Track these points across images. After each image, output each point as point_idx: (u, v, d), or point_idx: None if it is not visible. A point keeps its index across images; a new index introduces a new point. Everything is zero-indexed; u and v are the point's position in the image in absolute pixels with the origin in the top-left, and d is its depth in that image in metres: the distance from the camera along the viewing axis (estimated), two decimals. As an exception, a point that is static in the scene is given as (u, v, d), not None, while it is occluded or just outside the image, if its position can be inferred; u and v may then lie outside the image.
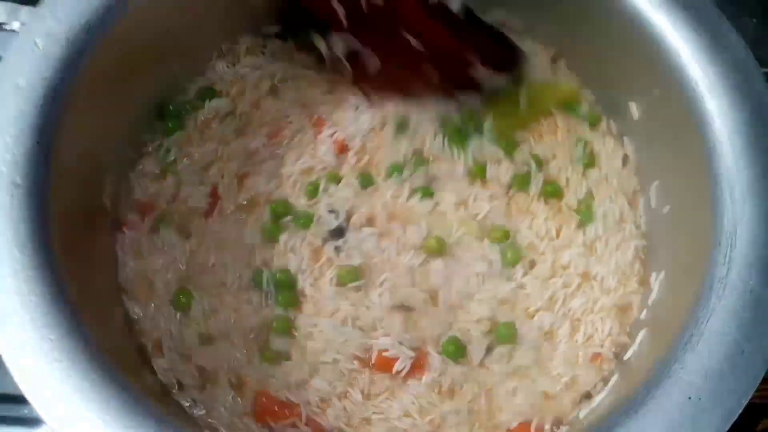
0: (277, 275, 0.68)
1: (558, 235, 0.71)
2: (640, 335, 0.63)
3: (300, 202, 0.72)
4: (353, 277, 0.68)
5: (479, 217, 0.71)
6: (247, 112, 0.77)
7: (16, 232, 0.52)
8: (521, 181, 0.73)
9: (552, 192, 0.73)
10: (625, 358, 0.64)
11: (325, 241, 0.70)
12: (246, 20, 0.78)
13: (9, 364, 0.47)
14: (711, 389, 0.49)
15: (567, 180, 0.74)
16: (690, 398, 0.48)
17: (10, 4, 1.06)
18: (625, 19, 0.67)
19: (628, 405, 0.49)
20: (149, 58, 0.69)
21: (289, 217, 0.71)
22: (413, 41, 0.71)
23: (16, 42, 0.60)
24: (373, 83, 0.75)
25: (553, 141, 0.76)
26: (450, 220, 0.71)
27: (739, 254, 0.53)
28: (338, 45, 0.72)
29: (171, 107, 0.76)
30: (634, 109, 0.72)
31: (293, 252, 0.70)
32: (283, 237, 0.71)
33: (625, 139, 0.75)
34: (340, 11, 0.69)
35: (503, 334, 0.66)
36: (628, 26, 0.67)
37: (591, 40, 0.73)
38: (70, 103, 0.59)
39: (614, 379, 0.62)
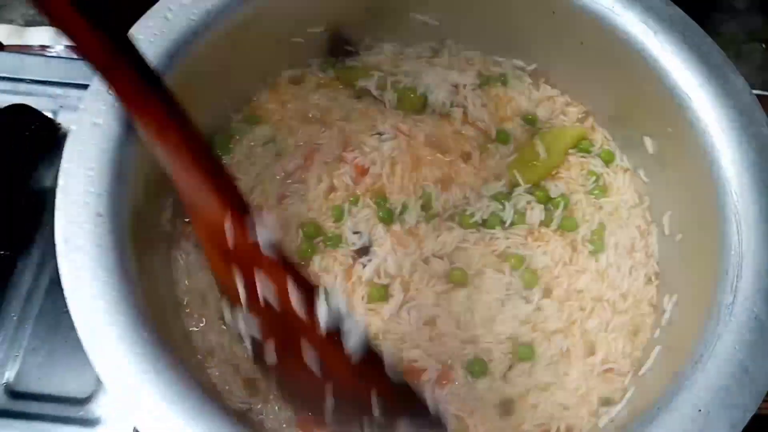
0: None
1: (571, 262, 0.78)
2: (655, 352, 0.69)
3: (327, 224, 0.78)
4: (382, 295, 0.74)
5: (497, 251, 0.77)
6: (285, 138, 0.83)
7: (101, 258, 0.59)
8: (546, 220, 0.80)
9: (568, 226, 0.79)
10: (641, 373, 0.69)
11: (354, 259, 0.76)
12: (289, 54, 0.85)
13: (103, 378, 0.53)
14: (718, 403, 0.55)
15: (582, 213, 0.80)
16: (700, 411, 0.54)
17: (53, 29, 1.13)
18: (642, 65, 0.73)
19: (644, 416, 0.55)
20: (205, 93, 0.75)
21: (319, 238, 0.77)
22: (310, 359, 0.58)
23: (92, 85, 0.66)
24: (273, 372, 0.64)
25: (568, 176, 0.83)
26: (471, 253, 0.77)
27: (745, 284, 0.60)
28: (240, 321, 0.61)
29: (217, 138, 0.82)
30: (649, 144, 0.78)
31: (326, 271, 0.76)
32: (316, 258, 0.76)
33: (640, 171, 0.81)
34: (241, 290, 0.58)
35: (523, 353, 0.72)
36: (645, 71, 0.73)
37: (612, 84, 0.80)
38: (141, 139, 0.65)
39: (631, 391, 0.68)
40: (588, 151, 0.84)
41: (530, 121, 0.86)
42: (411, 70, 0.87)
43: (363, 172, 0.81)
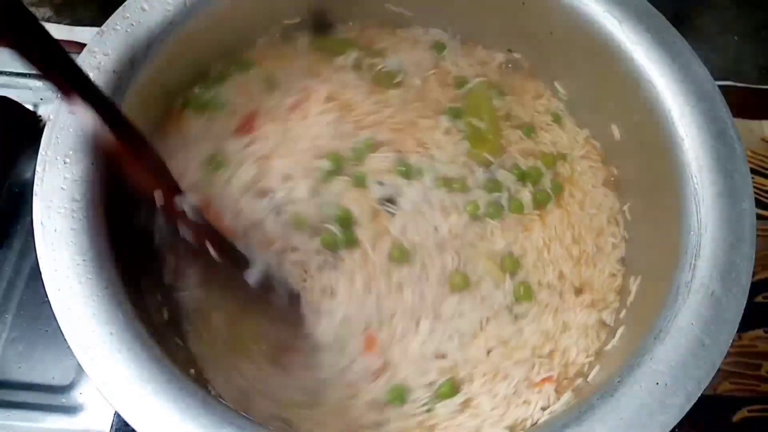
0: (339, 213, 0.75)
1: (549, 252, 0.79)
2: (619, 331, 0.71)
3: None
4: (404, 257, 0.74)
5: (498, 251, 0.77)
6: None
7: (77, 241, 0.60)
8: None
9: (542, 199, 0.80)
10: (606, 349, 0.72)
11: (381, 203, 0.77)
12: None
13: (77, 354, 0.55)
14: (676, 376, 0.57)
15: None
16: (658, 384, 0.56)
17: (34, 24, 1.14)
18: (609, 54, 0.75)
19: (604, 389, 0.57)
20: (185, 84, 0.77)
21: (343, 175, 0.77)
22: None
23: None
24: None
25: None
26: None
27: (702, 262, 0.62)
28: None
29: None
30: (616, 131, 0.80)
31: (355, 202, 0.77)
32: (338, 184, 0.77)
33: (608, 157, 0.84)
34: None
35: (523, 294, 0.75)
36: (612, 60, 0.75)
37: (580, 73, 0.82)
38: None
39: (596, 369, 0.70)
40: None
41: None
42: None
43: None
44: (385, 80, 0.86)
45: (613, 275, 0.78)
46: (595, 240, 0.79)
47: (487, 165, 0.81)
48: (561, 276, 0.77)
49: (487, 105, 0.85)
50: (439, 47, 0.89)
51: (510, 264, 0.76)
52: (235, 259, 0.69)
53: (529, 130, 0.84)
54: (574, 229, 0.79)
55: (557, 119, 0.86)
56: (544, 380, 0.71)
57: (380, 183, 0.78)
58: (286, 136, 0.79)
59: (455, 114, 0.83)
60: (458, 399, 0.70)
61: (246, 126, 0.79)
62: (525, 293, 0.75)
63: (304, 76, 0.83)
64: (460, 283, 0.74)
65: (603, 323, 0.75)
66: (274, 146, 0.78)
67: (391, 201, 0.77)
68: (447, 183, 0.78)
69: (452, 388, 0.70)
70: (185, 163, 0.75)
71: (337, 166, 0.78)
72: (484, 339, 0.72)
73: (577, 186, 0.82)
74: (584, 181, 0.82)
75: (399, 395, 0.69)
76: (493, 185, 0.79)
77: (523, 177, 0.81)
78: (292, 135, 0.79)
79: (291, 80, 0.83)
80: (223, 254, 0.67)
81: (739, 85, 1.15)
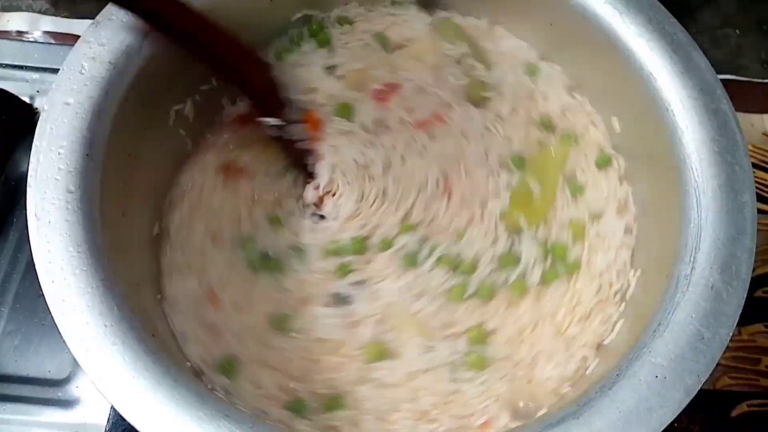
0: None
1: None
2: (618, 325, 0.71)
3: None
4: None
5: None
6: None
7: (71, 233, 0.59)
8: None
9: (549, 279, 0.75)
10: (604, 343, 0.71)
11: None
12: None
13: (71, 347, 0.54)
14: (674, 369, 0.56)
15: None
16: (657, 377, 0.56)
17: (31, 14, 1.13)
18: (610, 45, 0.75)
19: (603, 382, 0.57)
20: (185, 74, 0.76)
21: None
22: None
23: (64, 65, 0.66)
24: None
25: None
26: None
27: (702, 254, 0.61)
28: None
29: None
30: (616, 124, 0.80)
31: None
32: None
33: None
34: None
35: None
36: (612, 52, 0.74)
37: (581, 65, 0.82)
38: (114, 119, 0.66)
39: (595, 363, 0.70)
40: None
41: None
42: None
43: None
44: (476, 90, 0.83)
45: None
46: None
47: (516, 232, 0.75)
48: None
49: (554, 168, 0.79)
50: (531, 69, 0.85)
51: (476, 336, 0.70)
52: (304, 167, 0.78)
53: (576, 189, 0.79)
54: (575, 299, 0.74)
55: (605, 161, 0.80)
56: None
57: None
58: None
59: (517, 163, 0.78)
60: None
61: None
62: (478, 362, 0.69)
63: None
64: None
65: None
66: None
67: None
68: (452, 263, 0.73)
69: None
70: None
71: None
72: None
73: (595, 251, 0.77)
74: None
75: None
76: (507, 261, 0.74)
77: (546, 253, 0.74)
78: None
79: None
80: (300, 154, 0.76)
81: (740, 79, 1.14)
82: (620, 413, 0.54)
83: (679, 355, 0.57)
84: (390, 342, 0.70)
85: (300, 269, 0.74)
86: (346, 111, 0.80)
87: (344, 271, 0.73)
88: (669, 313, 0.59)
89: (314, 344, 0.70)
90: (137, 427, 0.52)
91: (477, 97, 0.82)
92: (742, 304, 0.59)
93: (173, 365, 0.56)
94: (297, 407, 0.67)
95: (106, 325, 0.55)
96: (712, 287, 0.59)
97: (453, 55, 0.84)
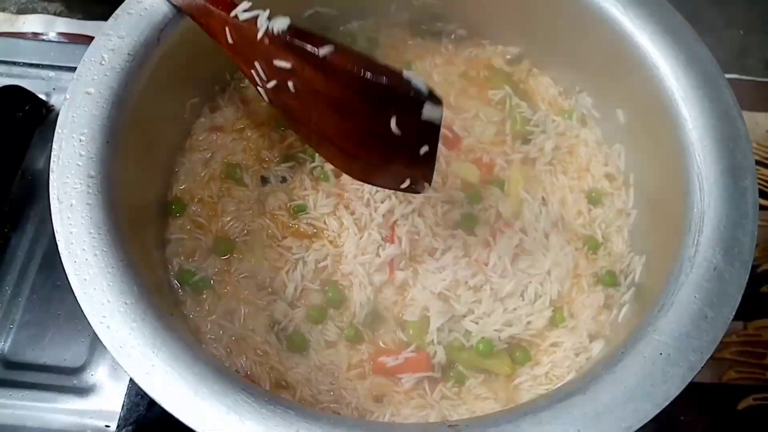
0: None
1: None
2: (624, 310, 0.72)
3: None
4: None
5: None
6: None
7: (92, 215, 0.61)
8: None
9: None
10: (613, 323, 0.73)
11: None
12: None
13: (93, 323, 0.56)
14: (679, 347, 0.58)
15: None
16: (661, 354, 0.57)
17: (46, 16, 1.16)
18: (614, 39, 0.77)
19: (609, 360, 0.58)
20: (199, 63, 0.78)
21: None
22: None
23: (85, 56, 0.69)
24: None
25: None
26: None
27: (705, 238, 0.63)
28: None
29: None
30: (621, 115, 0.81)
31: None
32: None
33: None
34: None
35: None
36: (618, 46, 0.77)
37: (587, 60, 0.84)
38: (133, 109, 0.68)
39: (600, 344, 0.71)
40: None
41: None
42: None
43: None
44: (521, 125, 0.87)
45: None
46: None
47: None
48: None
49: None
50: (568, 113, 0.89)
51: None
52: None
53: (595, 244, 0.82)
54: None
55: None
56: None
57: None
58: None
59: None
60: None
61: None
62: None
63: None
64: None
65: None
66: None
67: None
68: None
69: None
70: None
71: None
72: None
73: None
74: None
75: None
76: None
77: None
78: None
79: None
80: None
81: (744, 77, 1.16)
82: (625, 389, 0.56)
83: (682, 333, 0.58)
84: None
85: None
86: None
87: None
88: (673, 293, 0.60)
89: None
90: (156, 399, 0.53)
91: (523, 132, 0.87)
92: (745, 284, 0.60)
93: (192, 342, 0.57)
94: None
95: (126, 303, 0.57)
96: (715, 268, 0.61)
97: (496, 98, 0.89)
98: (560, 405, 0.55)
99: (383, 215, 0.77)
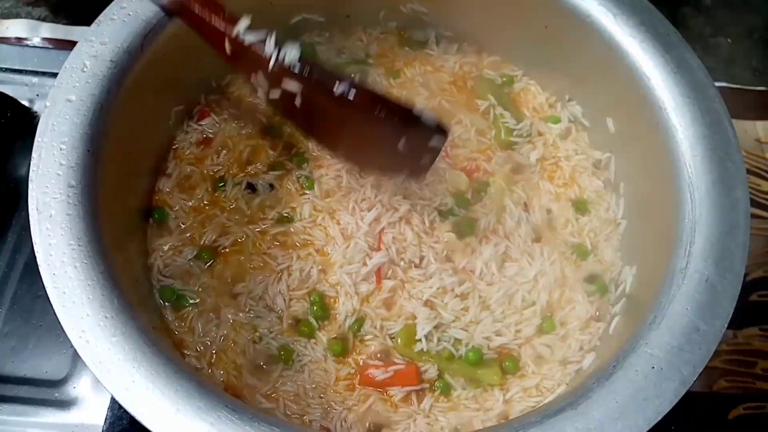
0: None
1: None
2: (614, 321, 0.71)
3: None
4: None
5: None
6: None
7: (72, 226, 0.60)
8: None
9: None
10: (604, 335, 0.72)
11: None
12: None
13: (72, 338, 0.54)
14: (671, 361, 0.57)
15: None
16: (653, 368, 0.56)
17: (30, 21, 1.14)
18: (604, 47, 0.76)
19: (601, 374, 0.57)
20: (184, 70, 0.77)
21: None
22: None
23: (67, 63, 0.67)
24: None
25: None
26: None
27: (697, 248, 0.62)
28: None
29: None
30: (611, 124, 0.81)
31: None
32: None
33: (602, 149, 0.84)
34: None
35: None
36: (607, 54, 0.76)
37: (576, 68, 0.83)
38: (116, 117, 0.67)
39: (591, 357, 0.71)
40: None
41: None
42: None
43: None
44: (506, 135, 0.87)
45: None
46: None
47: None
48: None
49: None
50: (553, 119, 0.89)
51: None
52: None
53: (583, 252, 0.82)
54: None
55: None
56: None
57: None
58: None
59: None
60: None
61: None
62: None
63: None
64: None
65: None
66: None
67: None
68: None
69: None
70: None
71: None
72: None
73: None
74: None
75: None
76: None
77: None
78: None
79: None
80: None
81: (732, 86, 1.16)
82: (617, 403, 0.55)
83: (675, 346, 0.57)
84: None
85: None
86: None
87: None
88: (664, 305, 0.60)
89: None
90: (136, 416, 0.52)
91: (508, 143, 0.87)
92: (737, 296, 0.60)
93: (174, 357, 0.56)
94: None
95: (106, 317, 0.56)
96: (706, 280, 0.60)
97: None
98: (551, 421, 0.54)
99: (369, 224, 0.76)
